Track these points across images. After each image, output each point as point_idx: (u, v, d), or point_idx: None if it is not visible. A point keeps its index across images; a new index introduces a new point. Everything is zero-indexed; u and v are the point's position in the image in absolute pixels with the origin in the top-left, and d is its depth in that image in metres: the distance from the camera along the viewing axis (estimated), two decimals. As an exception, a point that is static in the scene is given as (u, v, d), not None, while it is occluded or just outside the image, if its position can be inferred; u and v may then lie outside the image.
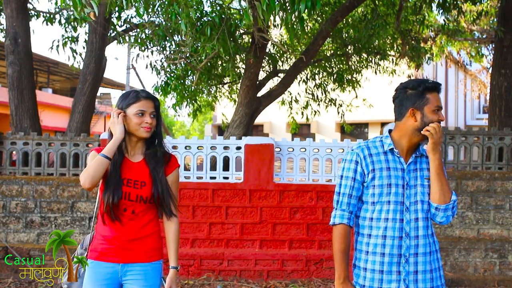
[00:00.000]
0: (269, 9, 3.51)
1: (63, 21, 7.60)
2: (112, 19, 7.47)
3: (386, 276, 1.88)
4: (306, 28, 8.81)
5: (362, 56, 8.99)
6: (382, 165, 1.93)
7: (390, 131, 2.02)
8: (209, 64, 7.20)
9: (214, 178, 5.27)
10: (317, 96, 9.60)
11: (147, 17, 5.34)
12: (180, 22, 4.26)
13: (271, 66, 9.03)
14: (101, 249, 2.07)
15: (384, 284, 1.88)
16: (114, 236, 2.07)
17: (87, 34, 7.05)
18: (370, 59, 9.09)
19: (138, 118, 2.09)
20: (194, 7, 4.83)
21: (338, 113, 9.56)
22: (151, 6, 5.49)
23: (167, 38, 6.16)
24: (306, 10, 3.46)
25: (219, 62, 8.16)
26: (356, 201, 1.96)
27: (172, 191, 2.17)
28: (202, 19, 5.36)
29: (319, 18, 8.36)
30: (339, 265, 1.95)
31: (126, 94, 2.16)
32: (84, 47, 7.31)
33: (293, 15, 3.65)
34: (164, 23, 5.82)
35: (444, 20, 8.45)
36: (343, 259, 1.95)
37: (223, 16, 5.27)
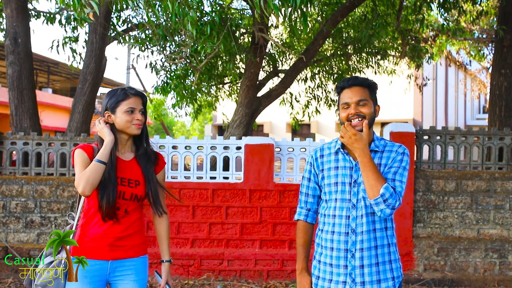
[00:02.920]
0: (268, 4, 3.51)
1: (63, 21, 7.60)
2: (112, 19, 7.46)
3: (335, 269, 1.99)
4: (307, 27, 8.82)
5: (362, 56, 9.00)
6: (331, 165, 2.05)
7: None
8: (209, 64, 7.21)
9: (214, 178, 5.27)
10: (318, 96, 9.60)
11: (153, 18, 5.33)
12: (181, 21, 4.26)
13: (271, 66, 9.03)
14: (89, 247, 2.07)
15: (334, 276, 1.99)
16: (103, 235, 2.08)
17: (87, 34, 7.05)
18: (370, 59, 9.09)
19: (129, 115, 2.10)
20: (194, 6, 4.83)
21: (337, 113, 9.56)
22: (152, 6, 5.49)
23: (167, 38, 6.16)
24: (303, 5, 3.45)
25: (219, 62, 8.17)
26: (314, 199, 2.13)
27: (159, 189, 2.25)
28: (203, 19, 5.36)
29: (319, 18, 8.37)
30: (298, 257, 2.14)
31: (113, 92, 2.16)
32: (84, 47, 7.31)
33: (296, 11, 3.66)
34: (164, 23, 5.82)
35: (444, 19, 8.45)
36: (300, 252, 2.13)
37: (223, 15, 5.27)
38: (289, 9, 3.52)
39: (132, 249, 2.14)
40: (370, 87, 2.02)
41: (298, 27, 6.39)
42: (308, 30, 8.39)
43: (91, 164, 2.00)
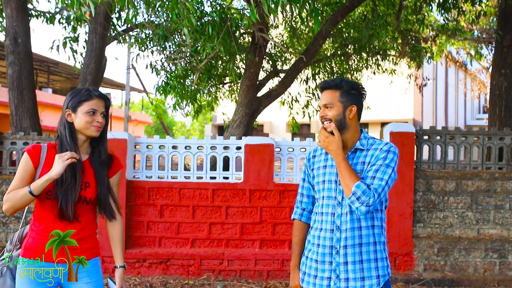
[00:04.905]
0: (276, 4, 3.53)
1: (63, 21, 7.60)
2: (112, 19, 7.46)
3: (320, 265, 2.04)
4: (306, 28, 8.81)
5: (362, 56, 9.00)
6: (320, 164, 2.13)
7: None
8: (209, 64, 7.21)
9: (214, 178, 5.27)
10: (318, 96, 9.60)
11: (146, 17, 5.35)
12: (181, 21, 4.26)
13: (271, 66, 9.03)
14: (40, 248, 2.04)
15: (319, 272, 2.04)
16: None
17: (87, 34, 7.06)
18: (370, 59, 9.09)
19: (89, 117, 2.07)
20: (195, 6, 4.82)
21: None
22: (152, 6, 5.50)
23: (167, 38, 6.16)
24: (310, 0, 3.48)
25: (219, 62, 8.17)
26: (309, 199, 2.21)
27: (113, 192, 2.21)
28: (203, 19, 5.36)
29: (319, 18, 8.36)
30: (292, 255, 2.23)
31: (77, 91, 2.13)
32: (84, 47, 7.31)
33: (304, 7, 3.68)
34: (164, 23, 5.82)
35: (444, 19, 8.46)
36: (294, 250, 2.21)
37: (223, 16, 5.27)
38: (297, 5, 3.54)
39: (84, 253, 2.11)
40: (342, 89, 2.04)
41: (309, 23, 6.34)
42: (310, 28, 8.39)
43: (22, 191, 1.97)
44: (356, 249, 1.99)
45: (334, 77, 9.26)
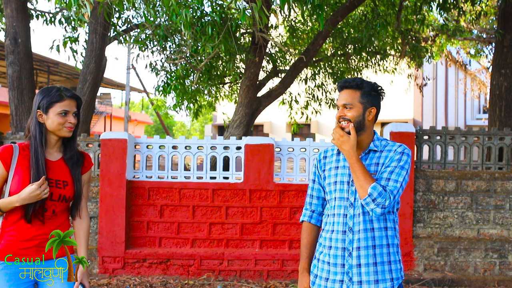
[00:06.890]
0: (282, 2, 3.56)
1: (63, 21, 7.60)
2: (112, 19, 7.46)
3: (332, 267, 2.00)
4: (307, 28, 8.81)
5: (362, 56, 9.00)
6: (332, 165, 2.10)
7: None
8: (209, 64, 7.20)
9: (214, 178, 5.27)
10: (317, 96, 9.60)
11: (151, 18, 5.33)
12: (179, 20, 4.26)
13: (271, 66, 9.03)
14: (15, 248, 2.04)
15: (331, 275, 2.00)
16: (32, 236, 2.05)
17: (87, 34, 7.06)
18: (370, 59, 9.09)
19: (62, 118, 2.06)
20: (195, 6, 4.83)
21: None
22: (151, 6, 5.49)
23: (168, 38, 6.16)
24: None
25: (219, 62, 8.17)
26: (319, 200, 2.17)
27: (84, 190, 2.23)
28: (203, 19, 5.36)
29: (324, 15, 8.36)
30: (301, 257, 2.18)
31: (47, 91, 2.09)
32: (84, 47, 7.31)
33: (309, 4, 3.71)
34: (164, 23, 5.82)
35: (444, 20, 8.46)
36: (303, 252, 2.17)
37: (223, 16, 5.27)
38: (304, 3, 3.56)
39: (60, 250, 2.08)
40: (363, 89, 2.01)
41: (309, 23, 6.27)
42: (310, 28, 8.37)
43: None
44: (370, 251, 1.94)
45: (335, 77, 9.25)
